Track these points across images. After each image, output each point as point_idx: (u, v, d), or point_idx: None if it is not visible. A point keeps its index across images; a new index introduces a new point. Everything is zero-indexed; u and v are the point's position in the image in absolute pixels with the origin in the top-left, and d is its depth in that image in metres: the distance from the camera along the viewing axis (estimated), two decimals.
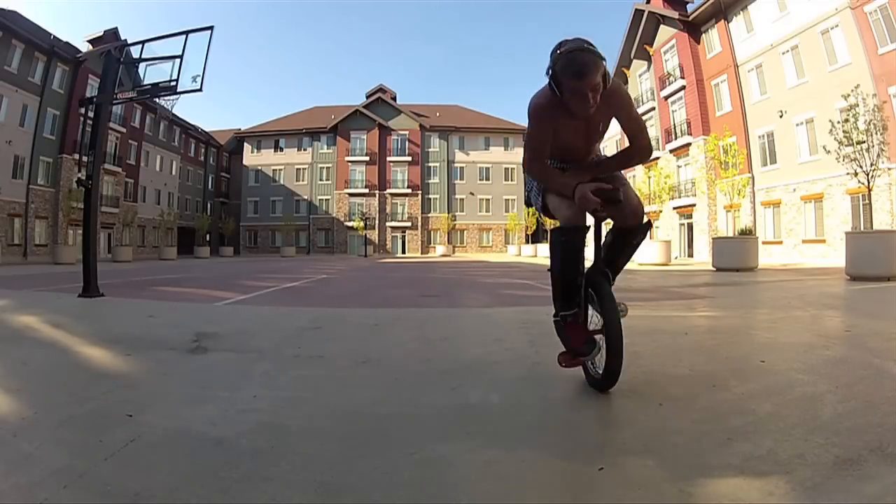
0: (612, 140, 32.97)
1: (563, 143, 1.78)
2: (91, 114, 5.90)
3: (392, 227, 43.04)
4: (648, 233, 1.94)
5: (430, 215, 43.46)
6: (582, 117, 1.65)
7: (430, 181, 43.67)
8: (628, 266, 2.07)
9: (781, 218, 19.58)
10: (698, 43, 23.88)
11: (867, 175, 8.59)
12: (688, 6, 24.72)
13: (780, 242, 19.51)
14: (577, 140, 1.80)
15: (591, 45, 1.55)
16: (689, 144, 23.98)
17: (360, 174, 43.01)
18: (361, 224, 39.59)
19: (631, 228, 1.83)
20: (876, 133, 8.80)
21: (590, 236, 1.77)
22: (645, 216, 1.84)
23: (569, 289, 1.78)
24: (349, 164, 42.94)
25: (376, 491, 1.04)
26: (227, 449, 1.26)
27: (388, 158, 43.20)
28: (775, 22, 19.49)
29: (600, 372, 1.72)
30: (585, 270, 1.78)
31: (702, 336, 3.07)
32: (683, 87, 24.32)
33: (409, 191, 43.05)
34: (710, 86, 23.17)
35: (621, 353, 1.59)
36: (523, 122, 1.98)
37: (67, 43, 26.77)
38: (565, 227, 1.74)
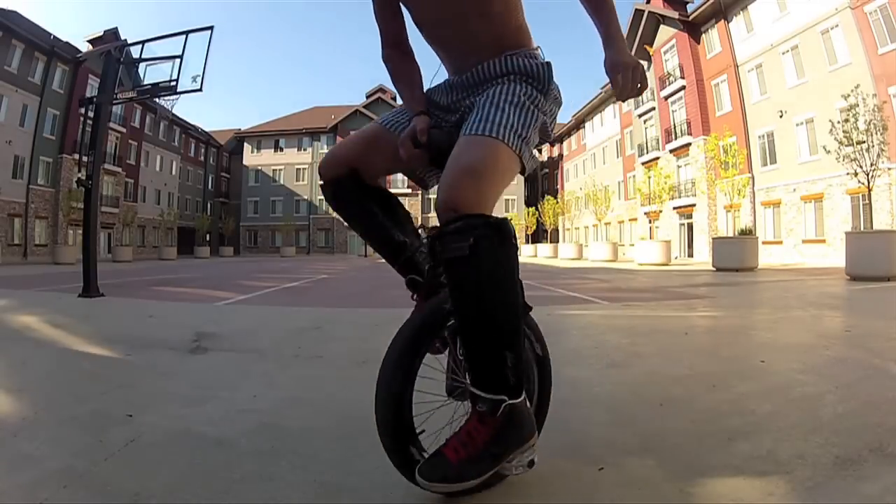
0: (612, 140, 32.92)
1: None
2: (91, 114, 5.90)
3: None
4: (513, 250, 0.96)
5: (430, 215, 43.45)
6: None
7: None
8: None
9: (781, 218, 19.57)
10: (698, 43, 23.88)
11: (867, 175, 8.60)
12: (688, 6, 24.73)
13: (780, 242, 19.51)
14: None
15: None
16: (689, 144, 23.98)
17: None
18: None
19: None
20: (876, 133, 8.81)
21: None
22: (458, 213, 0.90)
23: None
24: None
25: (376, 491, 1.04)
26: (227, 449, 1.26)
27: None
28: (775, 22, 19.48)
29: None
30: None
31: (702, 336, 3.07)
32: (683, 87, 24.33)
33: (409, 191, 43.01)
34: (710, 86, 23.17)
35: None
36: None
37: (67, 43, 26.77)
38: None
